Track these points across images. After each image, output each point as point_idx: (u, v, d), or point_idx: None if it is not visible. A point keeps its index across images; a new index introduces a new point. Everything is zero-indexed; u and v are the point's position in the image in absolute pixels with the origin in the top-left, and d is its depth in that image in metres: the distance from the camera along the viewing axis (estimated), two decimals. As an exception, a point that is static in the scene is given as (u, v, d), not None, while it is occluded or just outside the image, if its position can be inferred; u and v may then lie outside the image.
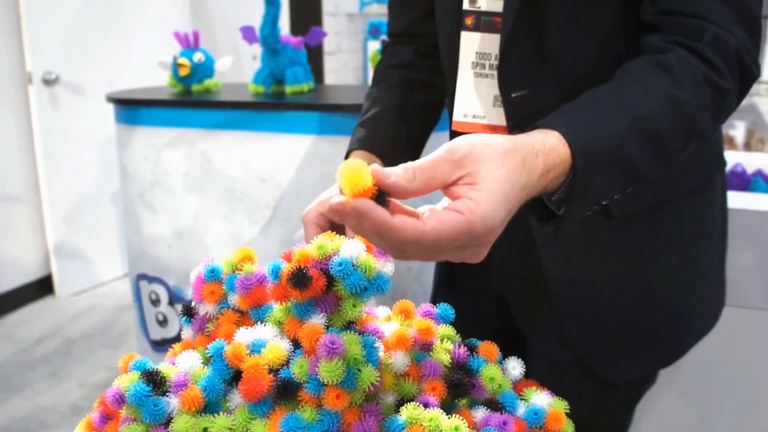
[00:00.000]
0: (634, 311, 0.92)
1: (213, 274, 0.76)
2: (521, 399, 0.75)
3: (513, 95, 0.85)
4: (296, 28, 4.11)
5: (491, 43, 0.87)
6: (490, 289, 1.05)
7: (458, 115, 0.91)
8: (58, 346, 3.18)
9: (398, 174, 0.55)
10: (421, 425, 0.63)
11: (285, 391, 0.63)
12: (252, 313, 0.73)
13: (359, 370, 0.63)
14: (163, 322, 1.96)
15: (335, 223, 0.79)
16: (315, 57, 2.83)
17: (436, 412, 0.64)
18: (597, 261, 0.90)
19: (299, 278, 0.66)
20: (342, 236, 0.71)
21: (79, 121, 3.66)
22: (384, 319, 0.77)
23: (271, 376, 0.65)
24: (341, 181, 0.53)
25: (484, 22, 0.88)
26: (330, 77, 4.72)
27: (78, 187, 3.73)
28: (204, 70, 2.21)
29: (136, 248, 2.10)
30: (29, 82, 3.45)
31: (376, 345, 0.67)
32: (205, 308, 0.76)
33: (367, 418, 0.63)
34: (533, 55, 0.84)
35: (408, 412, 0.64)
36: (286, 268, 0.68)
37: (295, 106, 1.78)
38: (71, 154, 3.66)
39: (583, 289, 0.91)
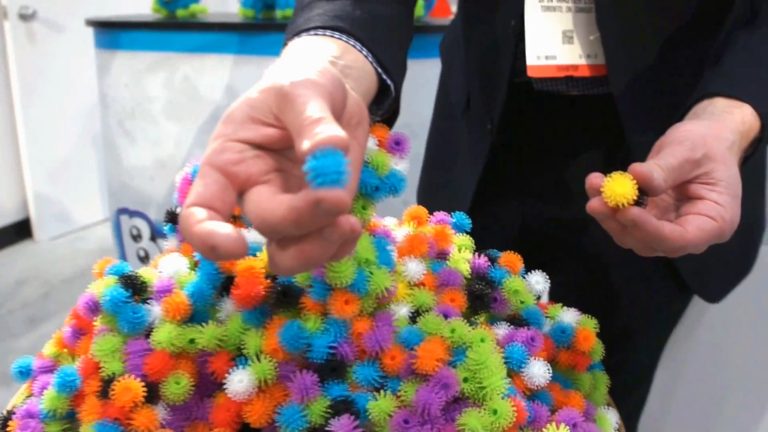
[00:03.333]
0: None
1: (200, 175, 0.66)
2: (546, 317, 0.67)
3: (610, 27, 0.78)
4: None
5: None
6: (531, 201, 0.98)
7: (531, 58, 0.81)
8: (37, 291, 3.09)
9: (659, 174, 0.55)
10: (442, 336, 0.55)
11: (285, 297, 0.55)
12: (245, 218, 0.64)
13: (371, 273, 0.54)
14: (144, 259, 1.87)
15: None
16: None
17: (458, 323, 0.56)
18: None
19: None
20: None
21: (58, 58, 3.51)
22: (393, 226, 0.69)
23: (268, 281, 0.56)
24: (609, 191, 0.54)
25: None
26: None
27: (57, 129, 3.59)
28: (188, -6, 2.07)
29: (116, 181, 1.99)
30: (4, 17, 3.28)
31: (389, 247, 0.58)
32: (192, 213, 0.67)
33: (380, 328, 0.54)
34: None
35: (426, 322, 0.56)
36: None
37: (286, 27, 1.65)
38: (50, 94, 3.51)
39: None
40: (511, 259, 0.66)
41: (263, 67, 1.47)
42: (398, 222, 0.70)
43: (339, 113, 0.44)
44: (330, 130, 0.38)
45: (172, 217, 0.69)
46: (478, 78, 0.94)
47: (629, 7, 0.77)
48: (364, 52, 0.56)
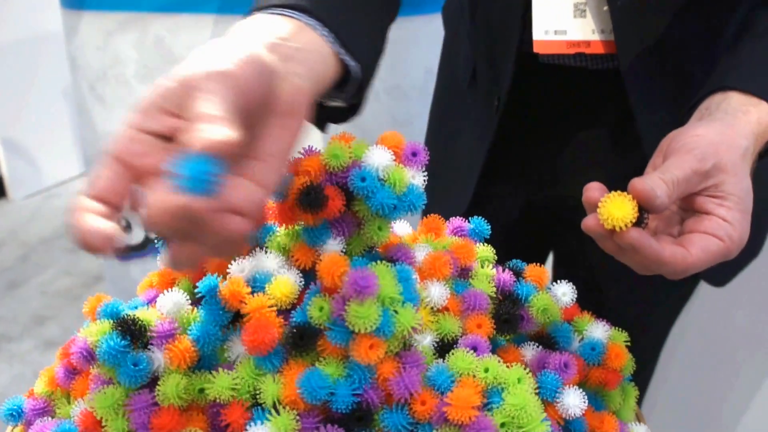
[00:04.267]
0: None
1: (195, 189, 0.60)
2: (574, 330, 0.63)
3: (619, 2, 0.71)
4: None
5: None
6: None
7: (539, 33, 0.75)
8: (14, 253, 3.01)
9: (663, 191, 0.50)
10: (474, 377, 0.50)
11: (302, 340, 0.50)
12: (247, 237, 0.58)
13: (396, 312, 0.49)
14: (127, 228, 1.79)
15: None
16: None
17: (492, 361, 0.51)
18: None
19: (313, 199, 0.51)
20: (352, 141, 0.55)
21: (24, 10, 3.34)
22: (408, 238, 0.64)
23: (280, 319, 0.51)
24: (606, 214, 0.49)
25: None
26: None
27: (26, 80, 3.44)
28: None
29: (91, 148, 1.91)
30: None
31: (412, 276, 0.53)
32: (187, 231, 0.61)
33: (407, 371, 0.50)
34: None
35: (456, 360, 0.51)
36: (293, 184, 0.53)
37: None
38: (16, 41, 3.36)
39: None
40: (537, 273, 0.62)
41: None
42: (413, 232, 0.65)
43: (254, 106, 0.42)
44: (212, 132, 0.37)
45: (166, 234, 0.64)
46: (485, 49, 0.88)
47: None
48: (324, 32, 0.51)
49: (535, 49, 0.76)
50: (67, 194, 3.59)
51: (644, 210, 0.49)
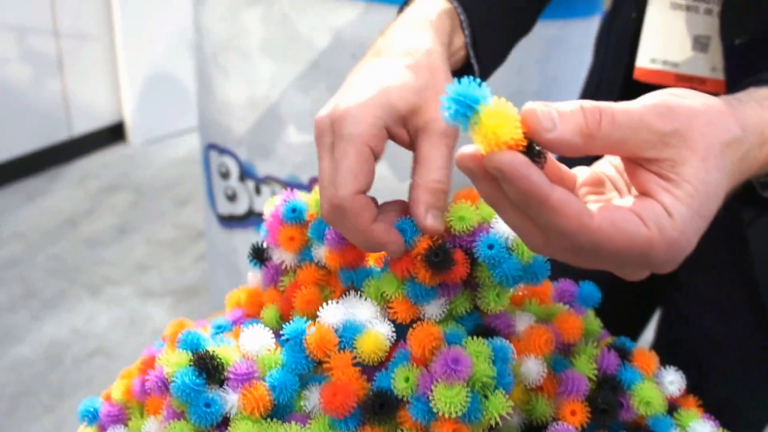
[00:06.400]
0: None
1: (295, 215, 0.58)
2: (676, 424, 0.57)
3: (736, 41, 0.63)
4: None
5: None
6: None
7: (643, 60, 0.69)
8: (126, 198, 3.12)
9: (567, 123, 0.36)
10: (563, 479, 0.46)
11: (381, 409, 0.47)
12: (342, 275, 0.56)
13: (486, 396, 0.45)
14: (232, 198, 1.82)
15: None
16: None
17: (584, 464, 0.47)
18: None
19: (441, 261, 0.47)
20: (478, 200, 0.51)
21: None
22: (511, 298, 0.59)
23: (363, 379, 0.48)
24: (484, 128, 0.35)
25: None
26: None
27: (154, 26, 3.54)
28: None
29: (207, 115, 1.93)
30: None
31: (510, 355, 0.49)
32: (281, 256, 0.59)
33: (489, 461, 0.46)
34: None
35: (544, 456, 0.47)
36: (422, 241, 0.49)
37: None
38: (149, -3, 3.46)
39: None
40: (645, 358, 0.56)
41: (369, 12, 1.32)
42: (519, 290, 0.60)
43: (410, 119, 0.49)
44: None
45: (259, 254, 0.62)
46: (606, 76, 0.83)
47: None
48: (467, 32, 0.57)
49: (636, 76, 0.70)
50: (185, 145, 3.69)
51: (538, 148, 0.36)
